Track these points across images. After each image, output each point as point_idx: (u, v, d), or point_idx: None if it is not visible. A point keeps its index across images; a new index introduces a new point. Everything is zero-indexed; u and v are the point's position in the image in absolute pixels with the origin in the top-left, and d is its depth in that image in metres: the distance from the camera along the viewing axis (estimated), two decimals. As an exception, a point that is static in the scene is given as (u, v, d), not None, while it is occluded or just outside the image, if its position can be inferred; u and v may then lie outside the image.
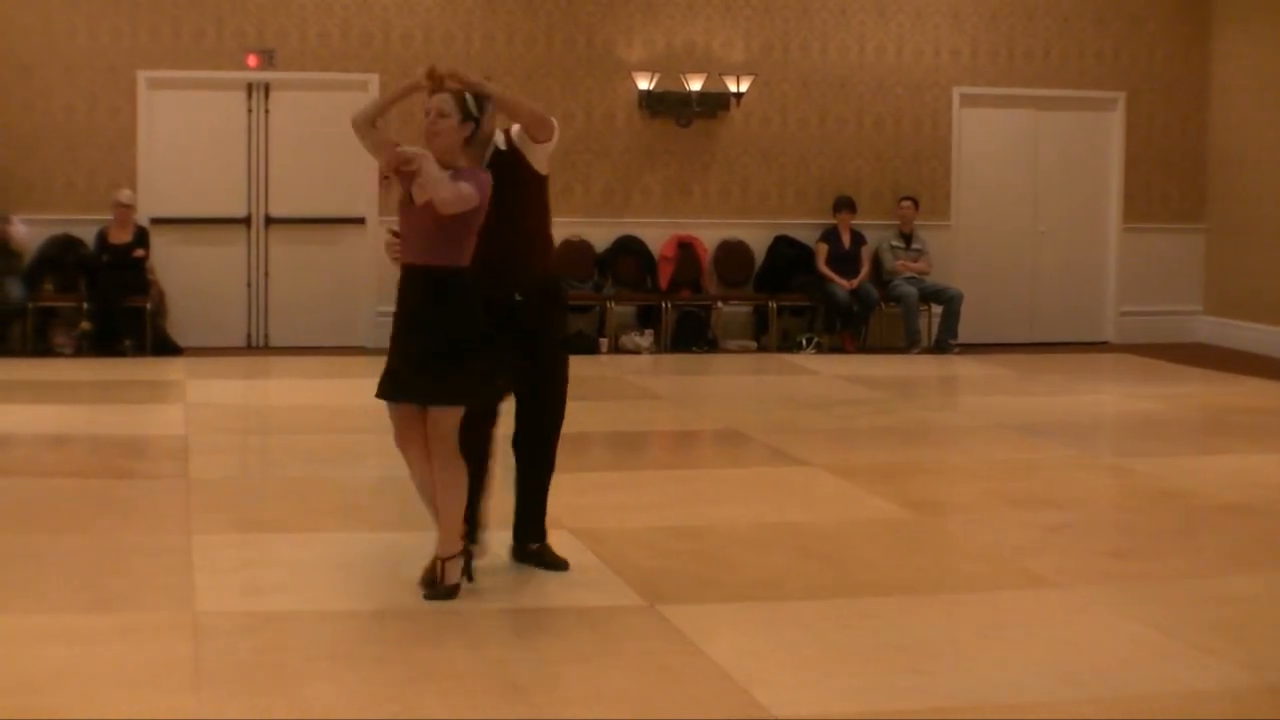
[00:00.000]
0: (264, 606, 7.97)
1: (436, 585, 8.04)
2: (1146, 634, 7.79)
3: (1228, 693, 6.96)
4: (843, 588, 8.59)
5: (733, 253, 19.87)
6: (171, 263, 18.45)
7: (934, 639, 7.65)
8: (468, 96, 8.04)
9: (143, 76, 18.41)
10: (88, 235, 18.16)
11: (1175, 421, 14.69)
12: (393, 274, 8.32)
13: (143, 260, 18.04)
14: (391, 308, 8.16)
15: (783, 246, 19.81)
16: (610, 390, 16.31)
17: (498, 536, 8.71)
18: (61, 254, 18.20)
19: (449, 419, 7.97)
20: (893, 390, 16.41)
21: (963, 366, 18.50)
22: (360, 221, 18.82)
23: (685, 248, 19.56)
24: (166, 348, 18.08)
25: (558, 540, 9.16)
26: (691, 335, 19.51)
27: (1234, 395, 16.20)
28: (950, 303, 19.52)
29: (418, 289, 8.02)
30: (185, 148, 18.52)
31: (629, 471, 12.34)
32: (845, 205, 19.67)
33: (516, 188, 8.29)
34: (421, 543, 8.32)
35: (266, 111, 18.77)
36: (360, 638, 7.57)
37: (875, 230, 19.88)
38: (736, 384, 17.51)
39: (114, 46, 18.33)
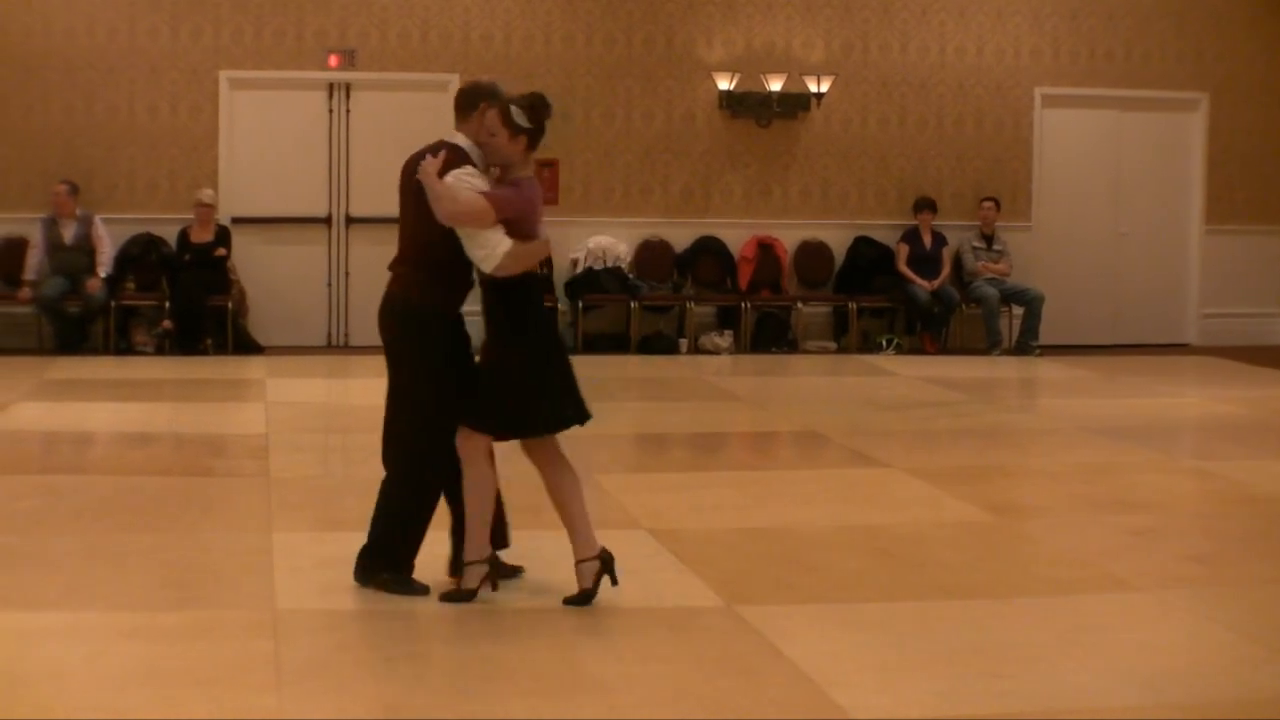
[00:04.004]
0: (344, 605, 8.01)
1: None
2: (1228, 639, 7.75)
3: (1310, 698, 6.91)
4: (922, 590, 8.57)
5: (813, 253, 19.85)
6: (252, 262, 18.58)
7: (1014, 643, 7.62)
8: (513, 108, 7.93)
9: (224, 77, 18.57)
10: (170, 234, 18.32)
11: (1258, 425, 14.59)
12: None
13: (224, 259, 18.17)
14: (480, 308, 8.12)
15: (863, 247, 19.79)
16: (689, 391, 16.39)
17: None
18: (143, 253, 18.39)
19: None
20: (973, 392, 16.38)
21: (1044, 368, 18.45)
22: (440, 221, 18.85)
23: (765, 248, 19.56)
24: (247, 346, 18.23)
25: (635, 539, 9.19)
26: (771, 336, 19.51)
27: (1318, 398, 16.09)
28: (1031, 304, 19.45)
29: (542, 299, 8.17)
30: (266, 148, 18.68)
31: (708, 472, 12.36)
32: (926, 206, 19.64)
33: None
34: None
35: (347, 111, 18.88)
36: (440, 636, 7.61)
37: (956, 231, 19.84)
38: (816, 385, 17.51)
39: (196, 47, 18.48)
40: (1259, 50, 20.53)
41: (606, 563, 8.03)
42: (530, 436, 8.10)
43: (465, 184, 7.87)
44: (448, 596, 8.01)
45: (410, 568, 8.18)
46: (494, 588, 8.05)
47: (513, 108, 7.93)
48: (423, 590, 8.10)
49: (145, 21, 18.39)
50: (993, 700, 6.76)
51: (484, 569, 8.01)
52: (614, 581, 8.01)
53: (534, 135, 7.99)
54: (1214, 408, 15.50)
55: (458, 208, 7.86)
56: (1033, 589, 8.70)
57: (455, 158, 7.99)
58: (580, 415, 8.13)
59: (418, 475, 8.20)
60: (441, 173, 7.89)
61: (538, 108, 7.99)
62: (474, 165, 7.98)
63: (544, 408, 8.03)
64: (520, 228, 7.88)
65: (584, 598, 7.98)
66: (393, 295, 8.19)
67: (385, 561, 8.19)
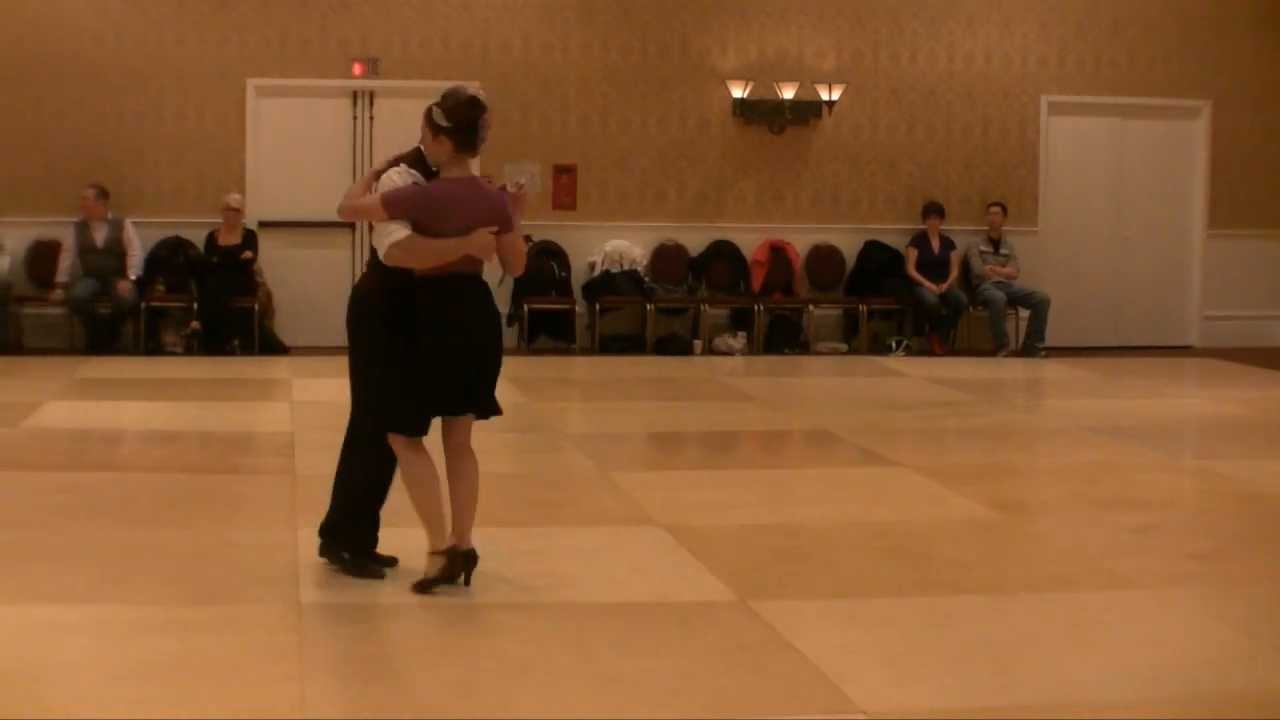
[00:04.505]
0: (367, 599, 8.06)
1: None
2: (1230, 635, 7.82)
3: (1309, 693, 7.00)
4: (931, 586, 8.63)
5: (824, 257, 20.06)
6: (278, 264, 18.81)
7: (1020, 638, 7.68)
8: (434, 108, 7.98)
9: (251, 84, 18.79)
10: (197, 238, 18.54)
11: (1259, 425, 14.63)
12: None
13: (250, 262, 18.39)
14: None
15: (873, 251, 19.98)
16: (703, 391, 16.51)
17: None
18: (172, 256, 18.58)
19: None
20: (980, 393, 16.42)
21: (1049, 369, 18.55)
22: (460, 226, 19.02)
23: (777, 252, 19.75)
24: (273, 347, 18.44)
25: (650, 535, 9.42)
26: (783, 338, 19.70)
27: (1318, 400, 16.09)
28: (1037, 307, 19.63)
29: (477, 297, 8.23)
30: (292, 153, 18.87)
31: (722, 470, 12.40)
32: (934, 211, 19.83)
33: None
34: (521, 537, 8.41)
35: (371, 118, 19.09)
36: (459, 630, 7.68)
37: (964, 235, 20.01)
38: (827, 385, 17.61)
39: (223, 54, 18.68)
40: (1260, 58, 20.67)
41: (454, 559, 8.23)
42: (402, 433, 8.21)
43: (389, 182, 8.08)
44: (417, 586, 8.12)
45: (369, 545, 8.43)
46: (466, 582, 8.13)
47: (434, 108, 7.98)
48: (378, 574, 8.32)
49: (173, 30, 18.60)
50: (999, 694, 6.81)
51: (440, 560, 8.08)
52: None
53: (456, 135, 7.95)
54: (1215, 408, 15.59)
55: (344, 201, 8.23)
56: (1038, 585, 8.72)
57: (402, 157, 8.23)
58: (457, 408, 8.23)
59: (358, 456, 8.48)
60: (384, 170, 8.15)
61: (458, 108, 7.94)
62: (420, 165, 8.15)
63: (410, 405, 8.13)
64: (427, 225, 7.95)
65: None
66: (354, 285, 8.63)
67: (344, 539, 8.47)
